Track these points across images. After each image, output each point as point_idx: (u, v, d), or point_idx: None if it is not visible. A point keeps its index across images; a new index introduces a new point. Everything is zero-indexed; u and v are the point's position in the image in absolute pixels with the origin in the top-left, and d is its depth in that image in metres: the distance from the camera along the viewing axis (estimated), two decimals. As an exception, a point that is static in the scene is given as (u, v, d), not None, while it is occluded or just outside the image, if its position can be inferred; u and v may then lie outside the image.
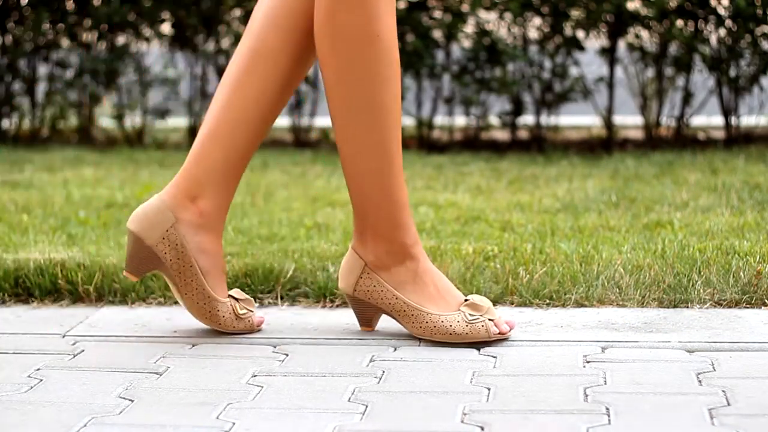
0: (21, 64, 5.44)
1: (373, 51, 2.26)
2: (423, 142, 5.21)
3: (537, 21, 5.09)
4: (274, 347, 2.31)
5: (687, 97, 5.09)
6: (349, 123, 2.31)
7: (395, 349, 2.28)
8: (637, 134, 5.34)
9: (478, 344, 2.29)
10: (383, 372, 2.12)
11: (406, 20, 5.09)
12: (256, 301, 2.62)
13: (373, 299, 2.36)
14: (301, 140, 5.38)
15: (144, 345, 2.34)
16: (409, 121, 5.33)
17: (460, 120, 5.39)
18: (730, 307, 2.49)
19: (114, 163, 4.60)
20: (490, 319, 2.29)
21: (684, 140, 5.10)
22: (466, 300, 2.33)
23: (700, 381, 2.03)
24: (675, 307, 2.50)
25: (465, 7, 5.08)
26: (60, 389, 2.05)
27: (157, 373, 2.14)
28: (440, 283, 2.35)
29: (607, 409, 1.89)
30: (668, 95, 5.16)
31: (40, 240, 2.97)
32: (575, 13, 5.01)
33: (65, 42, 5.46)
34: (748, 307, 2.49)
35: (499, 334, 2.28)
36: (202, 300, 2.37)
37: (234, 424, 1.85)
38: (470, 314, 2.29)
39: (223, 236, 2.41)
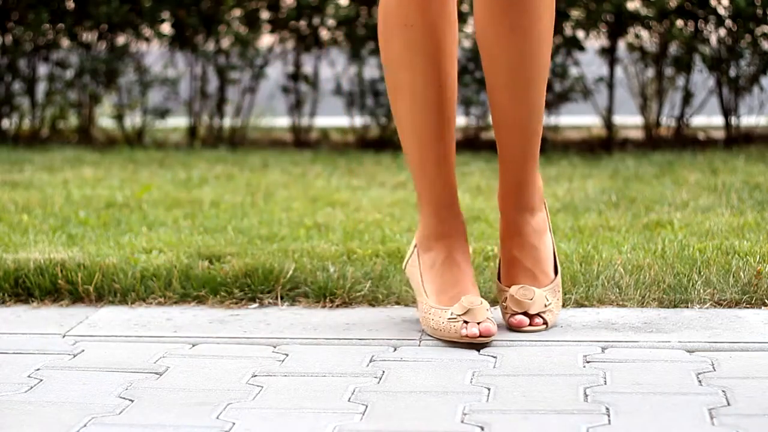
0: (21, 64, 5.44)
1: (402, 38, 2.33)
2: (423, 142, 5.21)
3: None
4: (274, 347, 2.31)
5: (687, 97, 5.08)
6: (393, 104, 2.41)
7: (395, 349, 2.28)
8: (637, 134, 5.34)
9: (477, 344, 2.29)
10: (383, 372, 2.12)
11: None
12: (256, 301, 2.62)
13: (410, 276, 2.47)
14: (301, 140, 5.38)
15: (144, 345, 2.34)
16: (409, 121, 5.32)
17: (460, 120, 5.39)
18: (730, 307, 2.49)
19: (114, 163, 4.60)
20: (466, 321, 2.29)
21: (684, 140, 5.09)
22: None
23: (700, 381, 2.03)
24: (675, 307, 2.50)
25: (465, 7, 5.08)
26: (60, 389, 2.05)
27: (157, 373, 2.14)
28: (446, 277, 2.39)
29: (607, 409, 1.89)
30: (668, 95, 5.16)
31: (40, 240, 2.97)
32: (575, 13, 5.01)
33: (65, 42, 5.46)
34: (748, 307, 2.49)
35: (466, 337, 2.29)
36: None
37: (234, 424, 1.85)
38: (452, 312, 2.31)
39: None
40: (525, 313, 2.38)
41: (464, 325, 2.29)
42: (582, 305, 2.52)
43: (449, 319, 2.31)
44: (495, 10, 2.32)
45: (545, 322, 2.38)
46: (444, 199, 2.42)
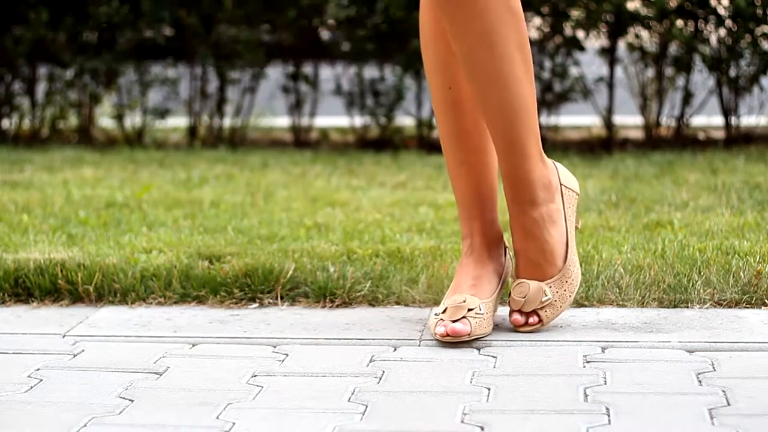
0: (21, 63, 5.44)
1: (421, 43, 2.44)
2: (423, 142, 5.21)
3: (537, 21, 5.09)
4: (274, 347, 2.31)
5: (687, 97, 5.09)
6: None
7: (395, 349, 2.28)
8: (637, 134, 5.34)
9: (478, 344, 2.29)
10: (383, 372, 2.12)
11: (406, 20, 5.09)
12: (256, 301, 2.62)
13: None
14: (301, 140, 5.38)
15: (144, 345, 2.34)
16: (409, 121, 5.33)
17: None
18: (730, 307, 2.49)
19: (114, 163, 4.60)
20: (441, 319, 2.30)
21: (684, 140, 5.10)
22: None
23: (700, 381, 2.03)
24: (675, 307, 2.50)
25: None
26: (60, 389, 2.05)
27: (157, 373, 2.14)
28: (457, 279, 2.41)
29: (607, 409, 1.89)
30: (668, 95, 5.16)
31: (40, 240, 2.97)
32: (575, 13, 5.01)
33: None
34: (748, 307, 2.49)
35: (437, 335, 2.30)
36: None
37: (234, 424, 1.85)
38: (436, 311, 2.34)
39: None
40: (520, 311, 2.37)
41: (440, 323, 2.29)
42: (582, 305, 2.52)
43: (434, 316, 2.33)
44: (436, 10, 2.32)
45: (540, 320, 2.36)
46: (464, 202, 2.44)
